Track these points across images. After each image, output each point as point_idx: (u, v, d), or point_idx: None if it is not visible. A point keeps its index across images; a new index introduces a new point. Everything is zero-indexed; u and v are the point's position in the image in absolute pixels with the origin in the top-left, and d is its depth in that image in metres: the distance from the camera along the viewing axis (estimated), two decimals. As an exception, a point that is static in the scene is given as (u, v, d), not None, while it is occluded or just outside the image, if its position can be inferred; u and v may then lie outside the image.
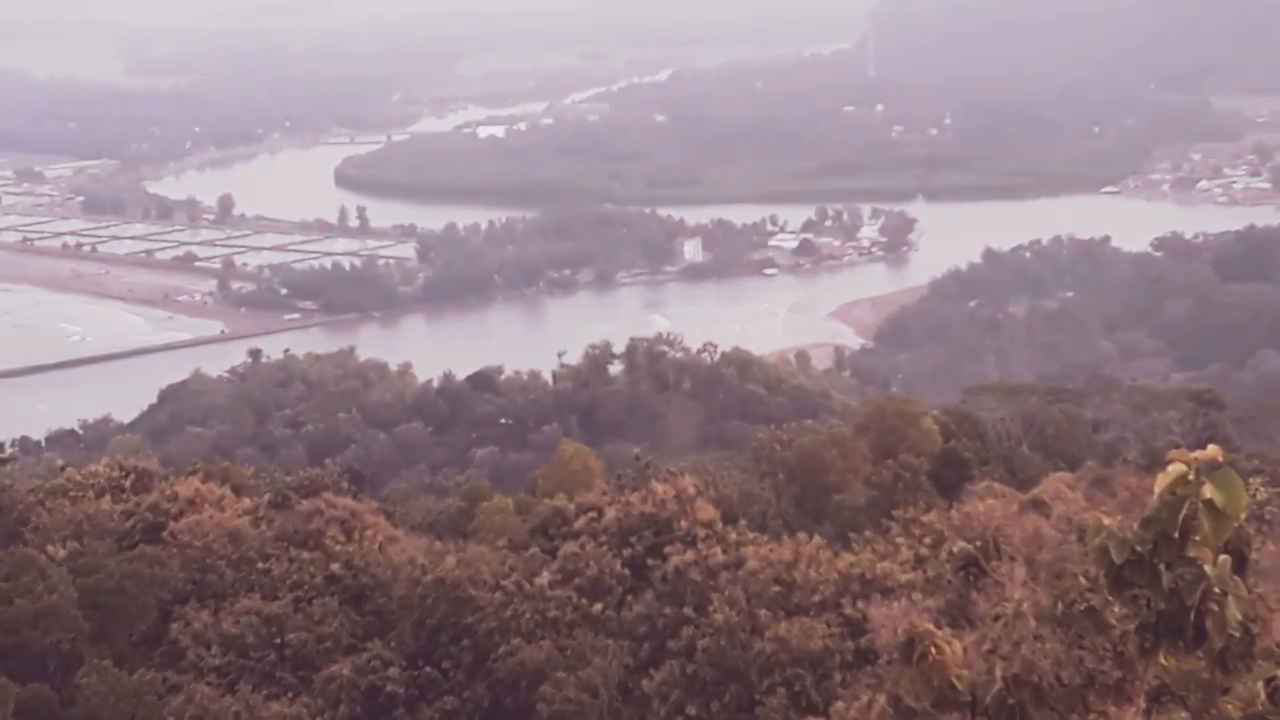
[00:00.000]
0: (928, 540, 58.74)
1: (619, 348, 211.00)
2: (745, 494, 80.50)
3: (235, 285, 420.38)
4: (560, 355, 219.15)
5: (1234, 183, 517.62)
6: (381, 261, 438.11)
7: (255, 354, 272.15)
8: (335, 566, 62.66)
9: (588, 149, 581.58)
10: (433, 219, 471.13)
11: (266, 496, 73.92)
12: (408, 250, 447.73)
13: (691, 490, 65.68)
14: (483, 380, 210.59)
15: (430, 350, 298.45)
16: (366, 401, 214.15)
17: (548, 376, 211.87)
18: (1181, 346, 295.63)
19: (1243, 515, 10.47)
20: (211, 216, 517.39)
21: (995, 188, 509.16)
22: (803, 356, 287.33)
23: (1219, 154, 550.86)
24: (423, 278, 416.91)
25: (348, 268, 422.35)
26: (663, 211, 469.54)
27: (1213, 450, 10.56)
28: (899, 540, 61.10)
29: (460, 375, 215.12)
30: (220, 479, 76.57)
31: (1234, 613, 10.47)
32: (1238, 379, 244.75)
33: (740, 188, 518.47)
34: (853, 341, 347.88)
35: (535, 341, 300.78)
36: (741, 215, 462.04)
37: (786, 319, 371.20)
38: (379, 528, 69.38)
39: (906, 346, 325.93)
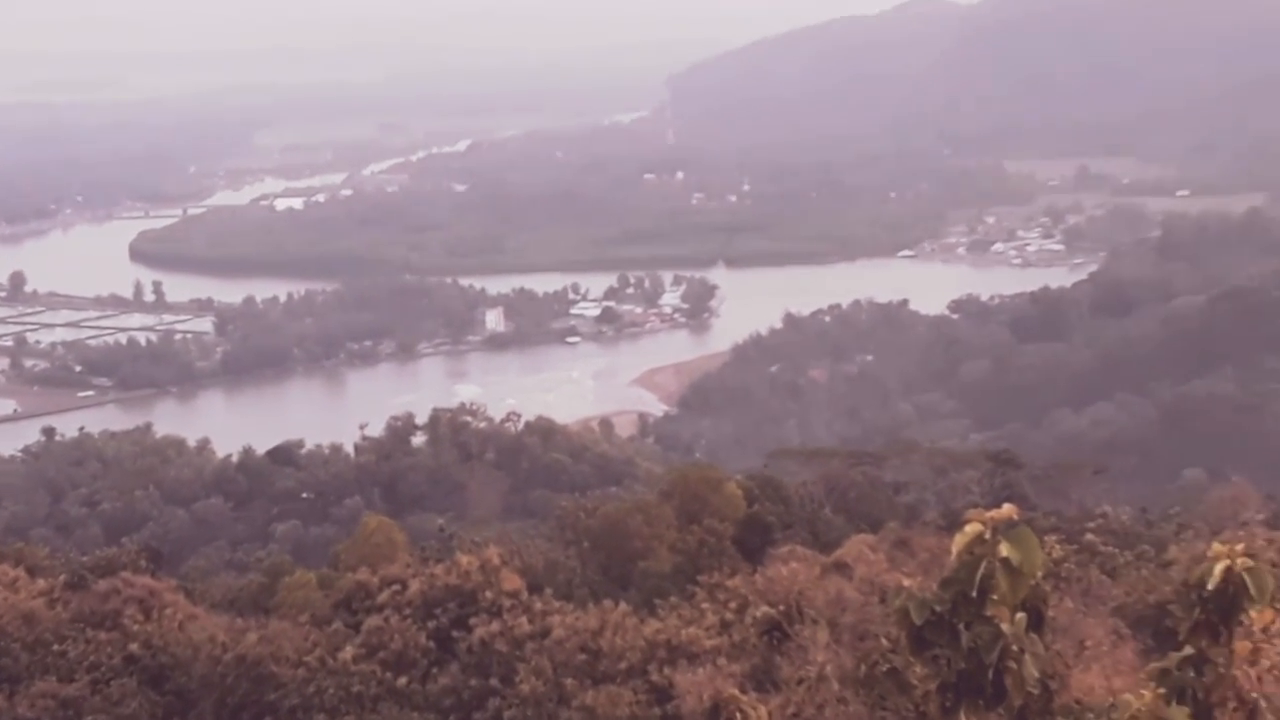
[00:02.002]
0: (733, 605, 58.70)
1: (422, 419, 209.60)
2: (550, 563, 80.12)
3: (28, 363, 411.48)
4: (362, 427, 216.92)
5: (1027, 245, 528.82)
6: (178, 336, 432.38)
7: (49, 432, 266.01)
8: (134, 646, 61.16)
9: (387, 219, 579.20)
10: (230, 292, 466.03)
11: (62, 577, 71.85)
12: (205, 324, 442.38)
13: (496, 560, 65.18)
14: (283, 454, 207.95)
15: (229, 425, 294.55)
16: (164, 478, 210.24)
17: (349, 449, 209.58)
18: (979, 407, 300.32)
19: (1039, 573, 10.44)
20: (2, 294, 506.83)
21: (794, 253, 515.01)
22: (606, 424, 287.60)
23: (1012, 217, 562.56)
24: (221, 352, 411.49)
25: (144, 343, 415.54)
26: (464, 281, 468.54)
27: (1008, 509, 10.53)
28: (704, 606, 61.01)
29: (260, 449, 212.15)
30: (14, 560, 74.54)
31: (1032, 670, 10.42)
32: (1034, 438, 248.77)
33: (541, 256, 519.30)
34: (656, 408, 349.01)
35: (336, 414, 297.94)
36: (543, 284, 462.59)
37: (590, 387, 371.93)
38: (178, 606, 67.81)
39: (709, 412, 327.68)
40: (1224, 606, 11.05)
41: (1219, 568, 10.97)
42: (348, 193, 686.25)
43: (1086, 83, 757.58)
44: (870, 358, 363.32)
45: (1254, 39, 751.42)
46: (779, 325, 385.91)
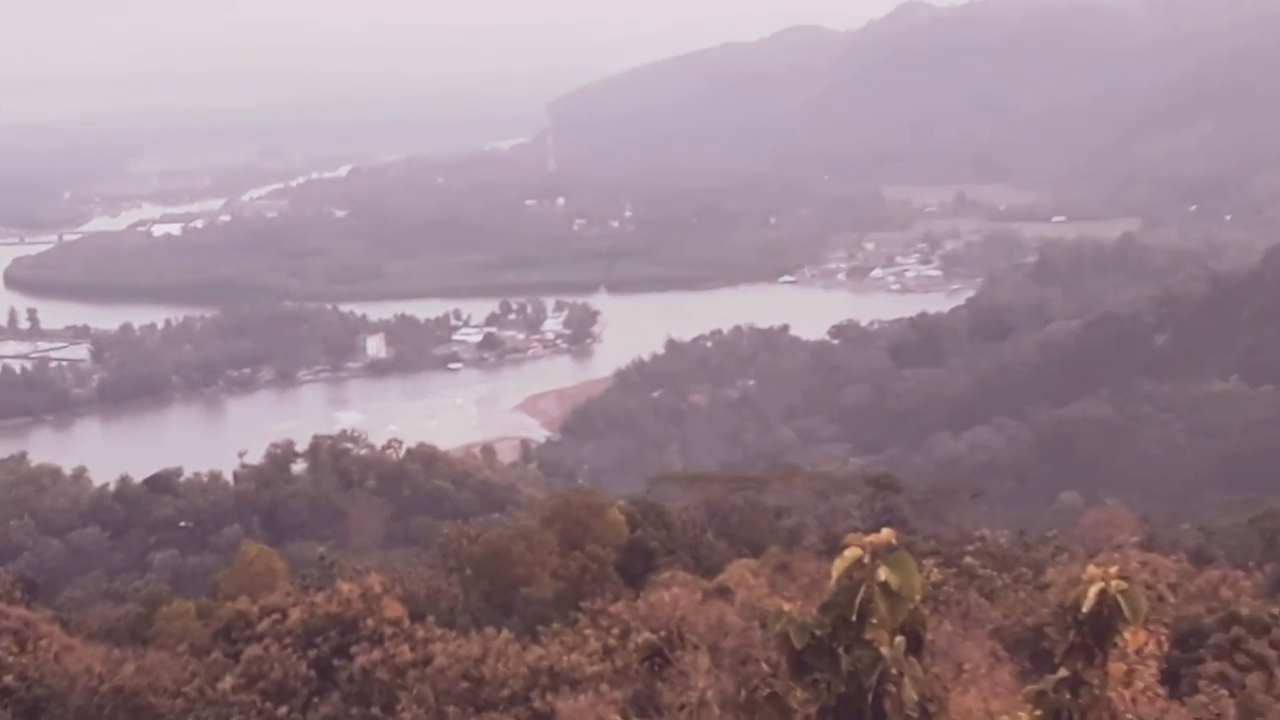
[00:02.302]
0: (615, 631, 58.64)
1: (302, 446, 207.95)
2: (433, 590, 79.84)
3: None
4: (241, 455, 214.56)
5: (906, 270, 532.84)
6: (53, 364, 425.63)
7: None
8: (8, 679, 60.18)
9: (266, 246, 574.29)
10: (107, 319, 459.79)
11: (-68, 609, 70.86)
12: (81, 352, 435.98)
13: (378, 588, 64.75)
14: (161, 482, 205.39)
15: (106, 453, 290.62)
16: (39, 508, 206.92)
17: (229, 477, 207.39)
18: (860, 432, 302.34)
19: (917, 597, 10.52)
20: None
21: (676, 279, 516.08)
22: (489, 450, 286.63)
23: (891, 243, 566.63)
24: (97, 379, 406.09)
25: (18, 370, 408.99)
26: (344, 307, 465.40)
27: (887, 534, 10.60)
28: (587, 632, 60.90)
29: (138, 478, 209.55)
30: (-118, 593, 73.35)
31: (911, 693, 10.49)
32: (914, 462, 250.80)
33: (423, 282, 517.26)
34: (539, 434, 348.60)
35: (216, 441, 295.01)
36: (424, 310, 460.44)
37: (472, 413, 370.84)
38: (54, 637, 66.83)
39: (592, 438, 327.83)
40: (1099, 628, 11.18)
41: (1093, 590, 11.10)
42: (226, 219, 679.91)
43: (964, 110, 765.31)
44: (752, 383, 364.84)
45: (1128, 67, 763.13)
46: (661, 351, 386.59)
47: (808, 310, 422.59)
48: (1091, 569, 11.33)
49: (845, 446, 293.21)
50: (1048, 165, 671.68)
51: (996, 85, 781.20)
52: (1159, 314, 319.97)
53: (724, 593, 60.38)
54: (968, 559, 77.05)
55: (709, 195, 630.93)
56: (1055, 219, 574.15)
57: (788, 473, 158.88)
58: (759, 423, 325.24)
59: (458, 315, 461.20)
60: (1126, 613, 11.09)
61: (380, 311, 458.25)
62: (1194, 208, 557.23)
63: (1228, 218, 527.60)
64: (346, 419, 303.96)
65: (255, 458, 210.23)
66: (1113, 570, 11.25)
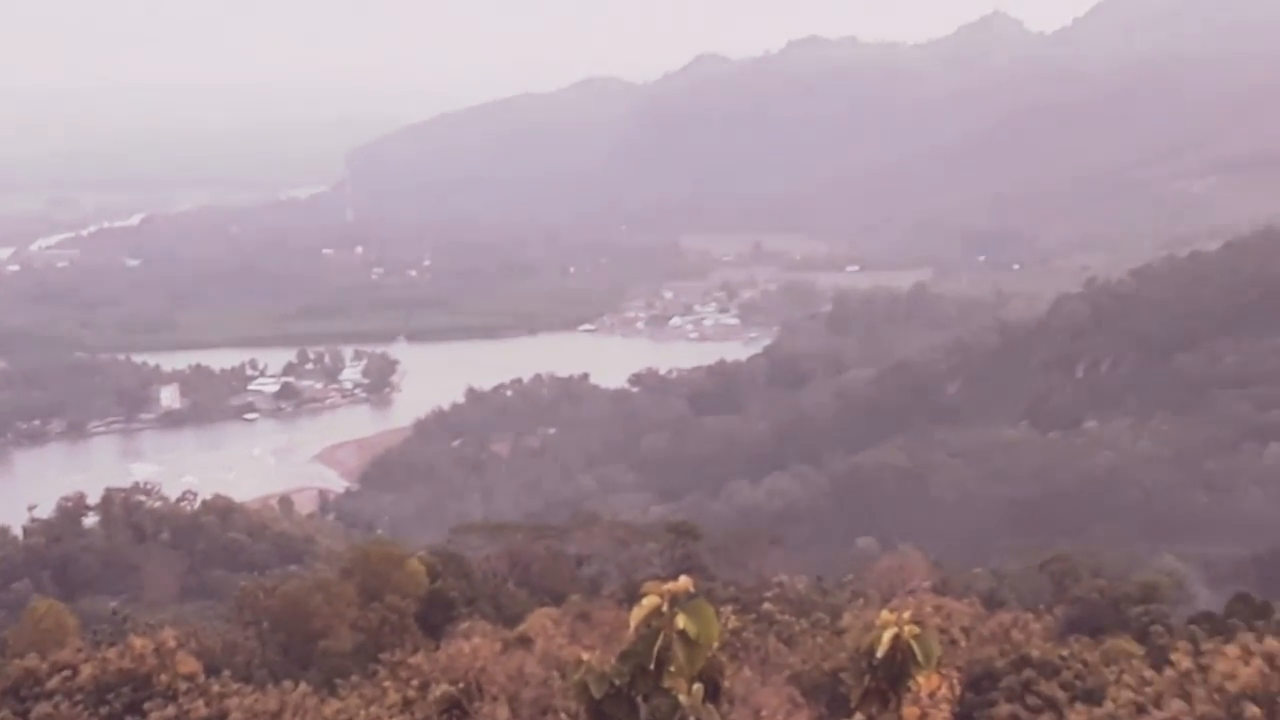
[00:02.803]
0: (415, 683, 58.18)
1: (94, 498, 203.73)
2: (229, 644, 78.70)
3: None
4: (31, 509, 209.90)
5: (704, 319, 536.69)
6: None
7: None
8: None
9: (57, 296, 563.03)
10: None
11: None
12: None
13: (172, 643, 63.63)
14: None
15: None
16: None
17: (17, 531, 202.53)
18: (660, 479, 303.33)
19: (715, 644, 10.58)
20: None
21: (476, 328, 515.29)
22: (286, 502, 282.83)
23: (689, 291, 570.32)
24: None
25: None
26: (137, 358, 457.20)
27: (684, 582, 10.65)
28: (386, 684, 60.34)
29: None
30: None
31: (709, 741, 10.54)
32: (713, 509, 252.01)
33: (218, 332, 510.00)
34: (337, 484, 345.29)
35: (3, 496, 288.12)
36: (220, 360, 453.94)
37: (270, 464, 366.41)
38: None
39: (392, 488, 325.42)
40: (893, 673, 11.33)
41: (887, 635, 11.25)
42: (15, 268, 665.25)
43: (760, 161, 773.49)
44: (553, 431, 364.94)
45: (921, 121, 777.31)
46: (461, 400, 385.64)
47: (607, 359, 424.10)
48: (885, 614, 11.47)
49: (645, 494, 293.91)
50: (843, 216, 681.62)
51: (793, 136, 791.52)
52: (951, 362, 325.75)
53: (525, 642, 60.24)
54: (766, 605, 77.60)
55: (508, 245, 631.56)
56: (850, 268, 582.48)
57: (588, 521, 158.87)
58: (560, 471, 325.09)
59: (254, 365, 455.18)
60: (919, 657, 11.25)
61: (174, 362, 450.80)
62: (983, 258, 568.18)
63: (1016, 268, 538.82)
64: (140, 471, 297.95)
65: (45, 511, 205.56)
66: (906, 615, 11.40)
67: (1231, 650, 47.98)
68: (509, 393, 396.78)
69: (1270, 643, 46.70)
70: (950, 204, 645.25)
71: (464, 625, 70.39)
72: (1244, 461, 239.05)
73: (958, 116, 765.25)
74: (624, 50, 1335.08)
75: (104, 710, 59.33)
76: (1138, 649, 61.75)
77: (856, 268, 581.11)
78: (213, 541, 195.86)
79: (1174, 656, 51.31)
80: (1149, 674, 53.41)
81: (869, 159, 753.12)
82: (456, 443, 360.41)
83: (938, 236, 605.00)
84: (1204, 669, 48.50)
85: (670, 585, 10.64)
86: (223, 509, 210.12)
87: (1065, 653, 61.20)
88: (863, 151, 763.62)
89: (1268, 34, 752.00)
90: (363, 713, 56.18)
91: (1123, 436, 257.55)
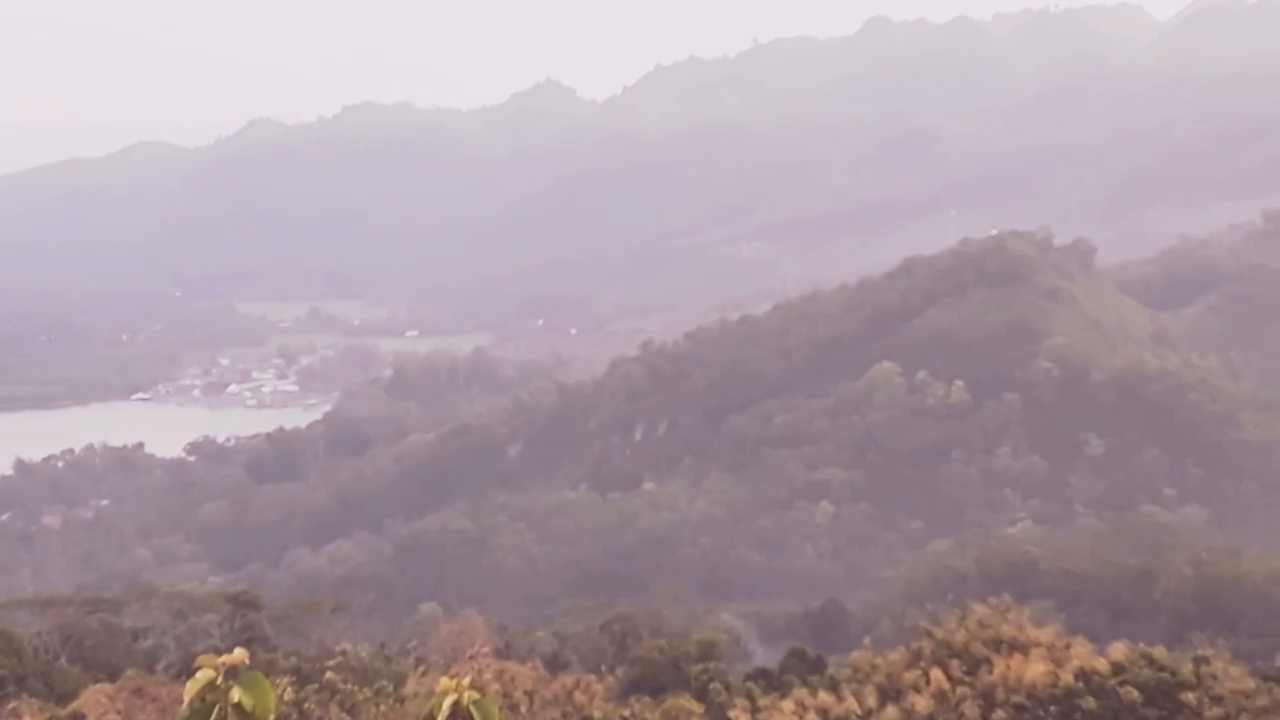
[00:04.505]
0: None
1: None
2: None
3: None
4: None
5: (263, 386, 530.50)
6: None
7: None
8: None
9: None
10: None
11: None
12: None
13: None
14: None
15: None
16: None
17: None
18: (219, 549, 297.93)
19: (271, 716, 10.59)
20: None
21: (23, 397, 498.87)
22: None
23: (247, 358, 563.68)
24: None
25: None
26: None
27: (239, 654, 10.66)
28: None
29: None
30: None
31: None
32: (275, 578, 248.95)
33: None
34: None
35: None
36: None
37: None
38: None
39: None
40: (453, 737, 11.46)
41: (447, 702, 11.42)
42: None
43: (316, 226, 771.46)
44: (106, 502, 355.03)
45: (476, 186, 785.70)
46: (9, 471, 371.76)
47: (163, 427, 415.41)
48: (445, 681, 11.63)
49: (204, 565, 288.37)
50: (401, 281, 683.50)
51: (348, 202, 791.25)
52: (511, 425, 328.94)
53: (78, 719, 58.44)
54: (329, 674, 76.80)
55: (57, 311, 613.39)
56: (409, 333, 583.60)
57: (145, 593, 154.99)
58: (115, 543, 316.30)
59: None
60: (478, 721, 11.42)
61: None
62: (541, 322, 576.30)
63: (573, 332, 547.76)
64: None
65: None
66: (466, 682, 11.57)
67: (787, 705, 49.43)
68: (60, 464, 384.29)
69: (824, 697, 48.27)
70: (507, 269, 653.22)
71: (12, 705, 67.80)
72: (796, 519, 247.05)
73: (513, 182, 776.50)
74: (174, 113, 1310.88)
75: None
76: (697, 707, 63.02)
77: (416, 333, 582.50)
78: None
79: (732, 713, 52.62)
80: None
81: (426, 224, 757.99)
82: (4, 516, 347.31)
83: (496, 301, 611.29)
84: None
85: (225, 658, 10.64)
86: None
87: (627, 713, 62.11)
88: (420, 217, 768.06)
89: (811, 103, 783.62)
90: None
91: (680, 496, 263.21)
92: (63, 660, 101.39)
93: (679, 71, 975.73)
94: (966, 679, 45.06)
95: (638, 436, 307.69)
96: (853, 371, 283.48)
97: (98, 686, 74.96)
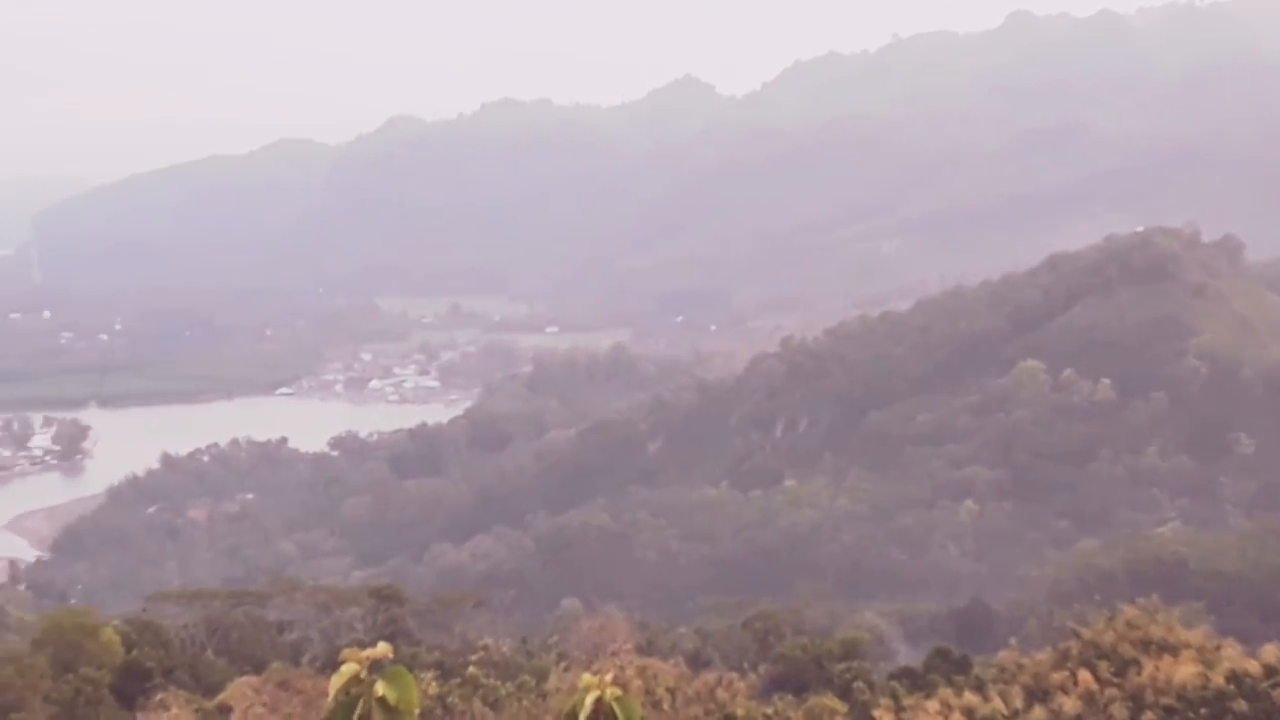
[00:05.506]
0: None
1: None
2: (-87, 723, 75.93)
3: None
4: None
5: (404, 381, 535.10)
6: None
7: None
8: None
9: None
10: None
11: None
12: None
13: None
14: None
15: None
16: None
17: None
18: (362, 543, 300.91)
19: (415, 711, 10.50)
20: None
21: (170, 392, 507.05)
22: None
23: (388, 354, 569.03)
24: None
25: None
26: None
27: (383, 648, 10.60)
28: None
29: None
30: None
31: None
32: (417, 572, 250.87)
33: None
34: (28, 554, 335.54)
35: None
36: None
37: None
38: None
39: (85, 556, 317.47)
40: (596, 735, 11.33)
41: (590, 699, 11.27)
42: None
43: (457, 222, 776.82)
44: (251, 496, 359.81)
45: (616, 183, 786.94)
46: (156, 466, 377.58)
47: (306, 422, 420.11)
48: (587, 677, 11.50)
49: (347, 559, 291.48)
50: (541, 277, 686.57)
51: (488, 198, 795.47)
52: (651, 421, 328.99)
53: (223, 712, 59.16)
54: (471, 669, 77.14)
55: (202, 308, 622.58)
56: (549, 329, 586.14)
57: (289, 586, 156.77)
58: (259, 537, 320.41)
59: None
60: (621, 719, 11.28)
61: None
62: (680, 319, 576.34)
63: (713, 328, 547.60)
64: None
65: None
66: (608, 678, 11.43)
67: (932, 705, 49.01)
68: (206, 458, 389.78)
69: (969, 697, 47.81)
70: (647, 265, 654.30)
71: (160, 696, 68.72)
72: (939, 517, 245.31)
73: (652, 178, 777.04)
74: (315, 111, 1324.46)
75: None
76: (840, 706, 62.63)
77: (556, 328, 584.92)
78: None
79: (876, 713, 52.26)
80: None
81: (565, 220, 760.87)
82: (152, 509, 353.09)
83: (635, 297, 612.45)
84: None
85: (370, 652, 10.57)
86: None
87: (769, 711, 61.85)
88: (559, 212, 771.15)
89: (952, 98, 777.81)
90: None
91: (821, 494, 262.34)
92: (209, 653, 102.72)
93: (818, 67, 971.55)
94: (1115, 680, 44.39)
95: (778, 433, 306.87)
96: (996, 369, 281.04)
97: (244, 679, 75.84)
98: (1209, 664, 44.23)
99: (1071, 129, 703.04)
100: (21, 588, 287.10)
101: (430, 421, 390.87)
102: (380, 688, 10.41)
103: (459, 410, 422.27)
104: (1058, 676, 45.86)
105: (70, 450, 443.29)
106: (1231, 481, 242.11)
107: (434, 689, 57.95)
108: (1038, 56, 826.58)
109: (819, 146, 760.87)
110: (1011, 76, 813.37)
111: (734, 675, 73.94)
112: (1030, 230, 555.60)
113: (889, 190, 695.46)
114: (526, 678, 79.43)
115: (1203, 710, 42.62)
